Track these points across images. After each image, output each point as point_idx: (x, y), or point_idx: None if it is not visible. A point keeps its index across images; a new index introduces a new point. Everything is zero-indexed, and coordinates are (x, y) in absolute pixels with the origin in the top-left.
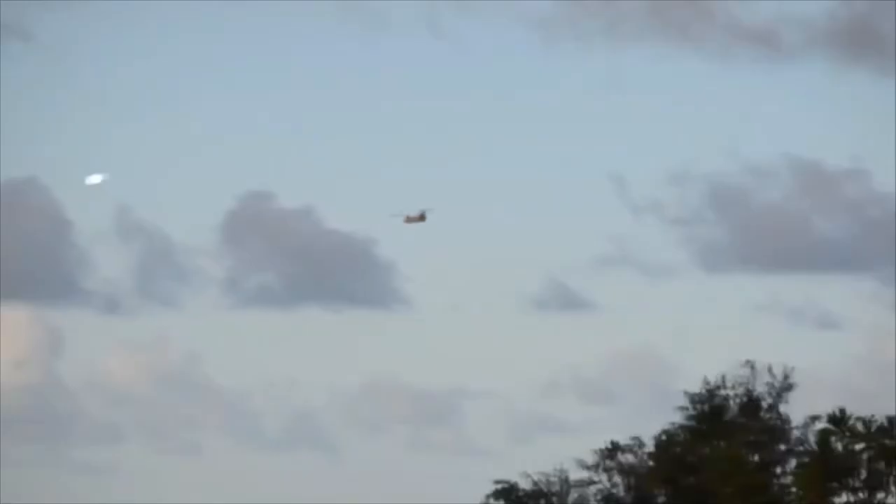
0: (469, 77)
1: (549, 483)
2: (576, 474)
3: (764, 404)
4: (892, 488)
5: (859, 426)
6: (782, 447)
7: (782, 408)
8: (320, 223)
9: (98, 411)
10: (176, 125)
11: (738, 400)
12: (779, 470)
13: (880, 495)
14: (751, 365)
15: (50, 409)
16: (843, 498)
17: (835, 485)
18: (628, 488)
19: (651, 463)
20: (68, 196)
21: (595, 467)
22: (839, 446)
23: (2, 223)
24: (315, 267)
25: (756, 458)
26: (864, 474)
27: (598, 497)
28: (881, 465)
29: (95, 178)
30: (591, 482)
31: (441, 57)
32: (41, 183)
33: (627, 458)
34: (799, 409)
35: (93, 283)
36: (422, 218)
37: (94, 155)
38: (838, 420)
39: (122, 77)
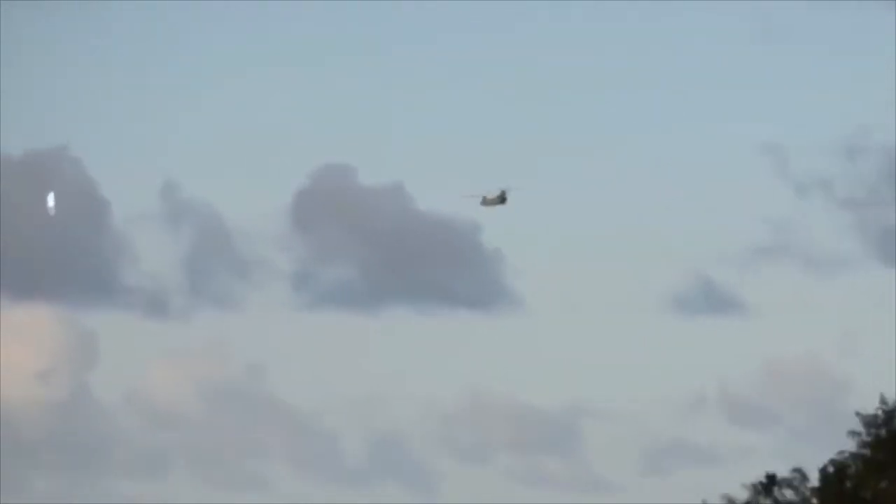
0: (589, 31)
1: None
2: None
3: None
4: None
5: None
6: None
7: None
8: (411, 204)
9: (140, 435)
10: (236, 89)
11: None
12: None
13: None
14: None
15: (81, 433)
16: None
17: None
18: None
19: (815, 501)
20: (104, 171)
21: None
22: None
23: (23, 203)
24: (404, 258)
25: None
26: None
27: None
28: None
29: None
30: None
31: (554, 8)
32: (71, 154)
33: (787, 494)
34: None
35: (134, 278)
36: (501, 199)
37: (136, 121)
38: None
39: (177, 35)
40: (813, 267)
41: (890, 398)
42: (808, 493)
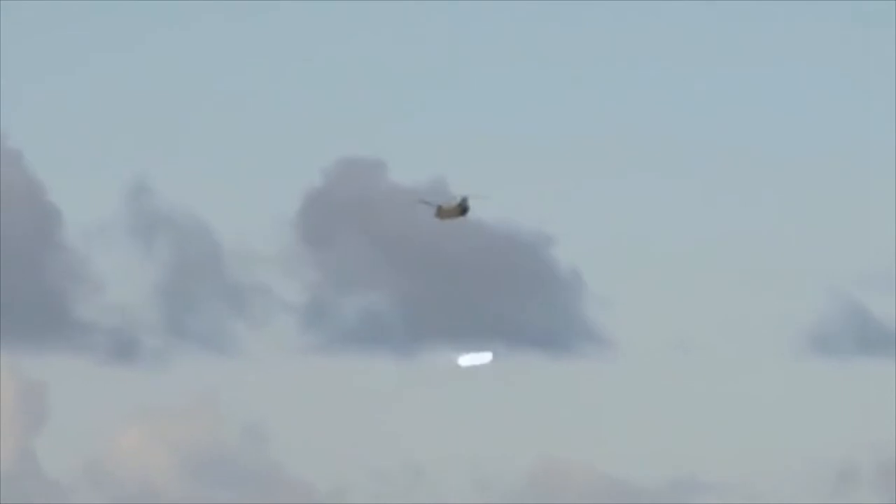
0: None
1: None
2: None
3: None
4: None
5: None
6: None
7: None
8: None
9: None
10: (226, 62)
11: None
12: None
13: None
14: None
15: None
16: None
17: None
18: None
19: None
20: (54, 168)
21: None
22: None
23: None
24: (451, 283)
25: None
26: None
27: None
28: None
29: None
30: None
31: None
32: (8, 146)
33: None
34: None
35: (93, 312)
36: (461, 211)
37: (95, 103)
38: None
39: None
40: None
41: None
42: None
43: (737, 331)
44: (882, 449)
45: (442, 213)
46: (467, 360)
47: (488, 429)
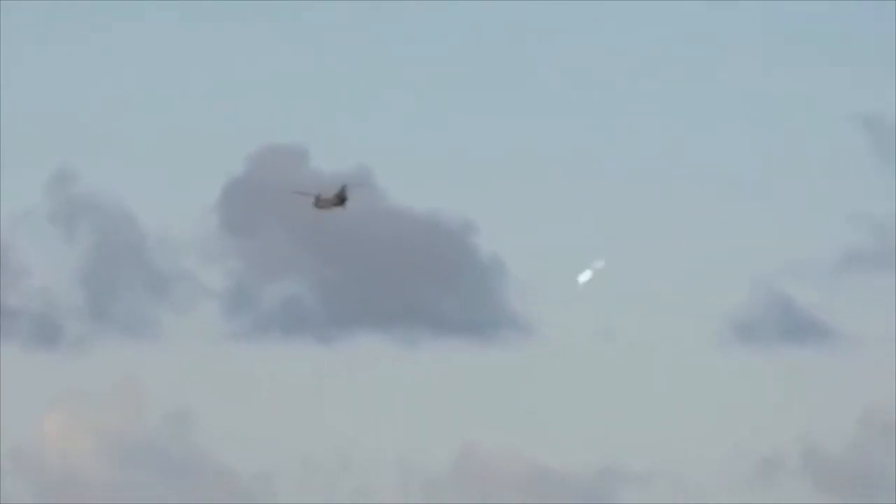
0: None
1: None
2: None
3: None
4: None
5: None
6: None
7: None
8: (379, 197)
9: None
10: (149, 47)
11: None
12: None
13: None
14: None
15: None
16: None
17: None
18: None
19: None
20: None
21: None
22: None
23: None
24: (374, 269)
25: None
26: None
27: None
28: None
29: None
30: None
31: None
32: None
33: None
34: None
35: (16, 297)
36: (340, 201)
37: (17, 87)
38: None
39: None
40: None
41: None
42: None
43: (661, 318)
44: (806, 438)
45: (320, 203)
46: (585, 276)
47: (411, 415)
